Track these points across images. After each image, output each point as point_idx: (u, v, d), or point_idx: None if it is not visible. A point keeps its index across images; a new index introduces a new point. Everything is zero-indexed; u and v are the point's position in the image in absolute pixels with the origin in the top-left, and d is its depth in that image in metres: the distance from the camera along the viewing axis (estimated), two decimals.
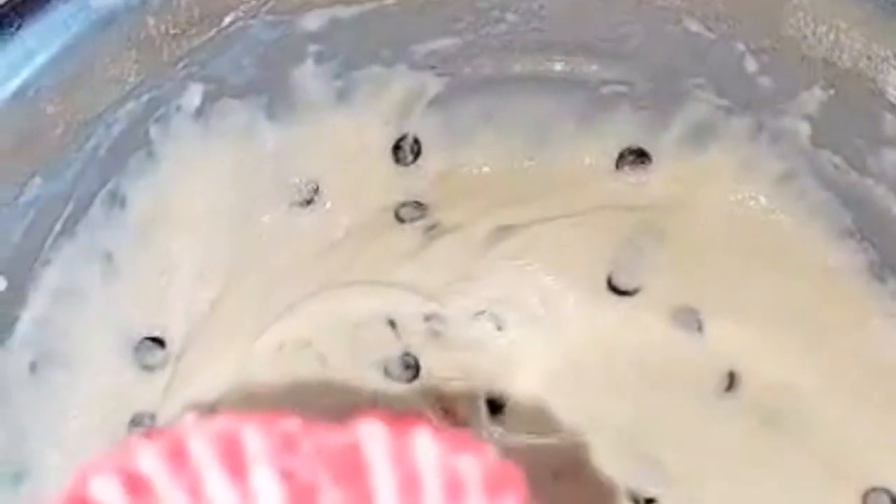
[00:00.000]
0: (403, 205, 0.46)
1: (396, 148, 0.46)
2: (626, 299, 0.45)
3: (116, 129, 0.39)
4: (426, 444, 0.26)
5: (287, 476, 0.25)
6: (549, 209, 0.46)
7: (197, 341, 0.43)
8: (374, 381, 0.43)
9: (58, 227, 0.40)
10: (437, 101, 0.45)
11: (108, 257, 0.42)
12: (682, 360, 0.44)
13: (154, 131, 0.41)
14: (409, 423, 0.26)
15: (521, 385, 0.44)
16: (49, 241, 0.40)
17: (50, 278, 0.40)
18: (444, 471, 0.26)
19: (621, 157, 0.46)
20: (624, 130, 0.46)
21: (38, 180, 0.38)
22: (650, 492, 0.42)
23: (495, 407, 0.43)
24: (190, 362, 0.43)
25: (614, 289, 0.45)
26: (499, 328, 0.44)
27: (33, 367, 0.40)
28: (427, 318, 0.44)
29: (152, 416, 0.42)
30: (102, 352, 0.42)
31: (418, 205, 0.46)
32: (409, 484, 0.25)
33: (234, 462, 0.25)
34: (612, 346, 0.44)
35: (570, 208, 0.46)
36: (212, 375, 0.43)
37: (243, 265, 0.44)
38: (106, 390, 0.42)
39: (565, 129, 0.45)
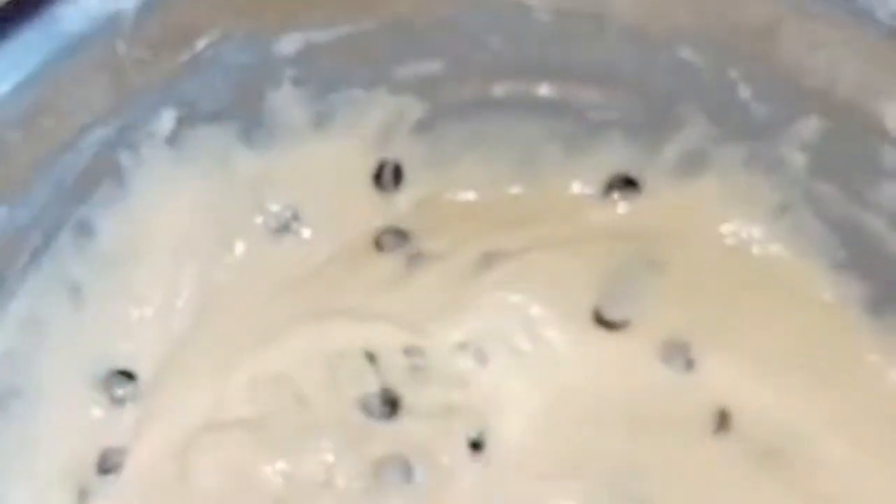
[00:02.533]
0: (384, 232, 0.45)
1: (377, 175, 0.44)
2: (614, 334, 0.43)
3: (85, 157, 0.38)
4: None
5: None
6: (535, 237, 0.44)
7: (169, 374, 0.42)
8: (353, 417, 0.42)
9: (24, 257, 0.38)
10: (419, 126, 0.44)
11: (76, 288, 0.41)
12: (672, 399, 0.42)
13: (124, 158, 0.40)
14: None
15: (505, 424, 0.42)
16: (14, 271, 0.38)
17: (15, 310, 0.39)
18: None
19: (610, 185, 0.45)
20: (613, 157, 0.44)
21: (2, 210, 0.36)
22: None
23: (477, 446, 0.42)
24: (161, 396, 0.42)
25: (602, 321, 0.43)
26: (482, 363, 0.43)
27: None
28: (407, 352, 0.43)
29: (121, 452, 0.41)
30: (70, 385, 0.41)
31: (399, 232, 0.45)
32: None
33: None
34: (600, 383, 0.42)
35: (558, 236, 0.44)
36: (184, 411, 0.41)
37: (217, 295, 0.43)
38: (74, 424, 0.41)
39: (553, 155, 0.44)
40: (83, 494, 0.41)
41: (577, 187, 0.45)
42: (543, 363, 0.43)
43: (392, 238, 0.45)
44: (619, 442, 0.42)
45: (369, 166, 0.44)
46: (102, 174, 0.39)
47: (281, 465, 0.41)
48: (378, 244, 0.45)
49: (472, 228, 0.45)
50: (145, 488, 0.41)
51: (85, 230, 0.40)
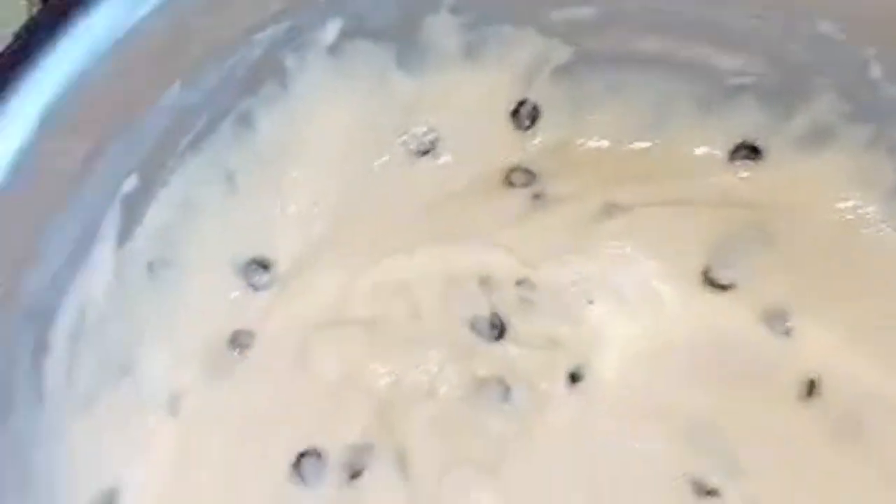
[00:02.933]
0: (515, 169, 0.47)
1: (515, 112, 0.47)
2: (719, 294, 0.45)
3: (256, 53, 0.41)
4: None
5: None
6: (657, 194, 0.46)
7: (301, 269, 0.45)
8: (461, 335, 0.44)
9: (188, 137, 0.41)
10: (560, 70, 0.46)
11: (230, 177, 0.44)
12: (765, 362, 0.44)
13: (290, 60, 0.42)
14: None
15: (603, 362, 0.44)
16: (179, 149, 0.41)
17: (175, 186, 0.42)
18: None
19: (735, 151, 0.47)
20: (742, 124, 0.46)
21: (177, 88, 0.39)
22: (714, 483, 0.43)
23: (574, 378, 0.44)
24: (292, 289, 0.45)
25: (710, 282, 0.45)
26: (589, 304, 0.45)
27: (151, 267, 0.42)
28: (519, 284, 0.45)
29: (251, 334, 0.44)
30: (214, 266, 0.44)
31: (529, 172, 0.47)
32: None
33: None
34: (698, 338, 0.44)
35: (678, 195, 0.46)
36: (310, 304, 0.44)
37: (355, 203, 0.46)
38: (213, 303, 0.44)
39: (684, 115, 0.46)
40: (213, 367, 0.44)
41: (703, 149, 0.47)
42: (647, 312, 0.45)
43: (522, 176, 0.47)
44: (707, 396, 0.44)
45: (509, 103, 0.47)
46: (269, 72, 0.42)
47: (389, 367, 0.44)
48: (508, 180, 0.47)
49: (596, 177, 0.47)
50: (268, 369, 0.44)
51: (246, 123, 0.43)
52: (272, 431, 0.43)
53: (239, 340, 0.44)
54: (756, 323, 0.45)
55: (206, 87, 0.40)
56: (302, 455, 0.42)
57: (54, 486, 0.38)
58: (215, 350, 0.44)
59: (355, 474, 0.42)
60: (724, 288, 0.45)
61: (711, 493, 0.43)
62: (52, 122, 0.35)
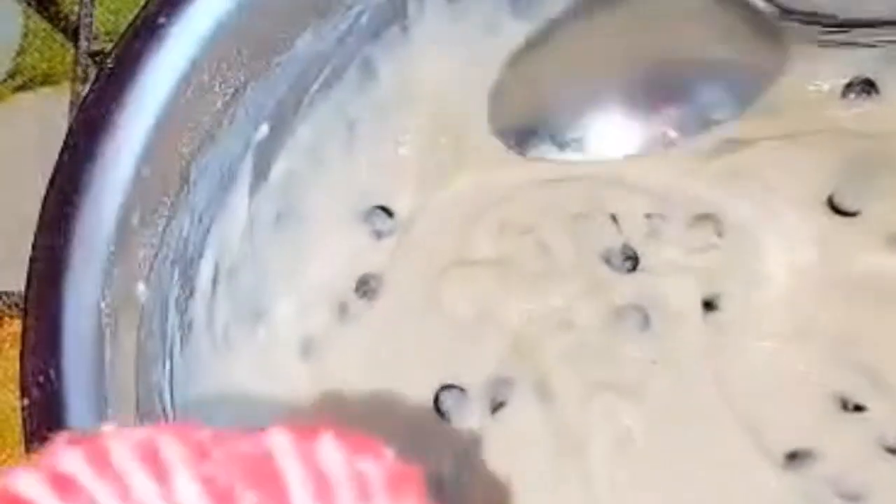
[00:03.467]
0: None
1: None
2: (844, 220, 0.45)
3: None
4: (331, 449, 0.27)
5: (206, 481, 0.26)
6: (775, 127, 0.46)
7: (424, 215, 0.45)
8: (593, 267, 0.45)
9: (315, 86, 0.42)
10: None
11: (352, 124, 0.44)
12: (893, 281, 0.44)
13: (411, 6, 0.43)
14: (313, 431, 0.27)
15: (736, 289, 0.44)
16: (307, 98, 0.42)
17: (302, 134, 0.43)
18: (351, 473, 0.27)
19: (849, 85, 0.47)
20: (858, 59, 0.46)
21: (308, 36, 0.40)
22: (861, 400, 0.43)
23: (709, 305, 0.44)
24: (416, 233, 0.45)
25: (835, 208, 0.45)
26: (718, 234, 0.45)
27: (278, 216, 0.43)
28: (648, 216, 0.45)
29: (378, 278, 0.45)
30: (338, 213, 0.45)
31: None
32: (323, 485, 0.27)
33: (156, 467, 0.26)
34: (828, 261, 0.44)
35: (797, 128, 0.46)
36: (435, 248, 0.45)
37: (478, 151, 0.46)
38: (338, 249, 0.44)
39: (803, 49, 0.46)
40: (343, 310, 0.44)
41: (817, 84, 0.47)
42: (774, 241, 0.45)
43: None
44: (845, 317, 0.44)
45: None
46: (391, 19, 0.43)
47: (523, 303, 0.44)
48: None
49: None
50: (398, 312, 0.44)
51: (369, 70, 0.43)
52: (408, 370, 0.43)
53: (367, 285, 0.44)
54: (883, 248, 0.45)
55: (334, 35, 0.41)
56: (442, 389, 0.43)
57: None
58: (343, 295, 0.44)
59: (497, 407, 0.43)
60: (849, 215, 0.45)
61: (858, 408, 0.43)
62: (199, 66, 0.36)
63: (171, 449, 0.26)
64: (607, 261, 0.45)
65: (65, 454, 0.26)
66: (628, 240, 0.45)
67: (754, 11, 0.45)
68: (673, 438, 0.42)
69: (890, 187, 0.45)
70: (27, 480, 0.26)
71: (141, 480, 0.26)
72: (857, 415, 0.43)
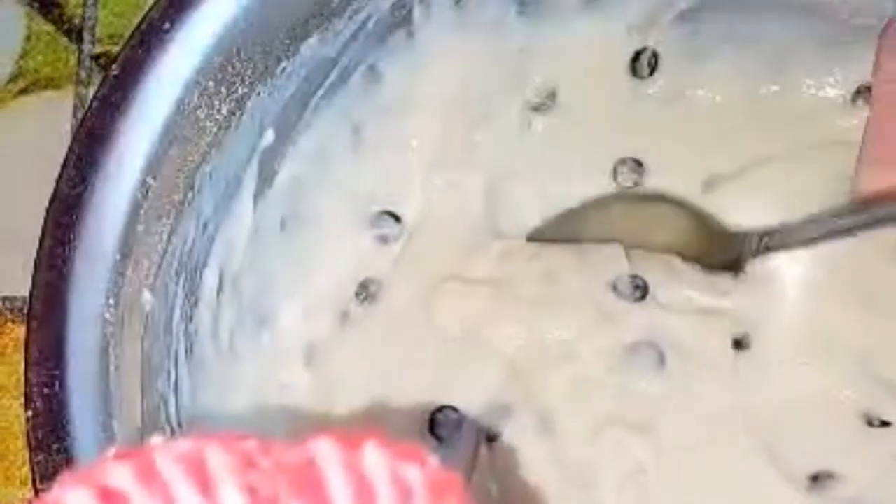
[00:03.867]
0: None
1: (634, 60, 0.47)
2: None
3: (386, 4, 0.41)
4: (375, 456, 0.27)
5: (251, 491, 0.26)
6: (781, 141, 0.46)
7: (429, 223, 0.45)
8: (601, 297, 0.44)
9: (321, 91, 0.42)
10: (683, 15, 0.45)
11: (357, 129, 0.44)
12: None
13: (417, 11, 0.43)
14: (359, 439, 0.27)
15: (758, 319, 0.44)
16: (312, 102, 0.42)
17: (307, 140, 0.42)
18: (393, 479, 0.27)
19: (858, 92, 0.46)
20: (865, 66, 0.46)
21: (314, 40, 0.40)
22: (887, 414, 0.42)
23: (741, 345, 0.44)
24: (420, 242, 0.45)
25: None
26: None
27: (283, 222, 0.43)
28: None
29: (379, 283, 0.44)
30: (344, 218, 0.44)
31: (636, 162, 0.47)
32: (365, 491, 0.27)
33: (201, 479, 0.26)
34: (842, 276, 0.44)
35: (802, 142, 0.46)
36: (438, 258, 0.45)
37: (476, 155, 0.46)
38: (343, 253, 0.44)
39: (807, 59, 0.46)
40: (344, 317, 0.44)
41: (825, 93, 0.46)
42: (790, 262, 0.44)
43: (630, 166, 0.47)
44: (865, 327, 0.43)
45: (629, 52, 0.46)
46: (396, 24, 0.43)
47: (520, 329, 0.43)
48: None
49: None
50: (395, 320, 0.44)
51: (374, 75, 0.43)
52: (405, 386, 0.43)
53: (367, 290, 0.44)
54: (893, 258, 0.45)
55: (340, 41, 0.41)
56: (438, 411, 0.42)
57: None
58: (346, 300, 0.44)
59: (492, 438, 0.42)
60: None
61: (885, 423, 0.42)
62: (203, 73, 0.36)
63: (217, 459, 0.26)
64: (615, 289, 0.44)
65: (113, 468, 0.26)
66: (637, 269, 0.44)
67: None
68: (688, 466, 0.42)
69: None
70: (77, 496, 0.26)
71: (186, 493, 0.26)
72: (882, 430, 0.42)
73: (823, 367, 0.43)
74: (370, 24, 0.41)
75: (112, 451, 0.27)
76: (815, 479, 0.42)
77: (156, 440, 0.27)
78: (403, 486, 0.27)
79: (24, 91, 0.53)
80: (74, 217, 0.34)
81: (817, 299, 0.44)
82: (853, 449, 0.42)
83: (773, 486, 0.41)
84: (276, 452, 0.27)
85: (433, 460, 0.28)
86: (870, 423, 0.42)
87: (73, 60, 0.53)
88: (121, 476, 0.26)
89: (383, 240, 0.45)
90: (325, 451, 0.27)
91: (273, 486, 0.26)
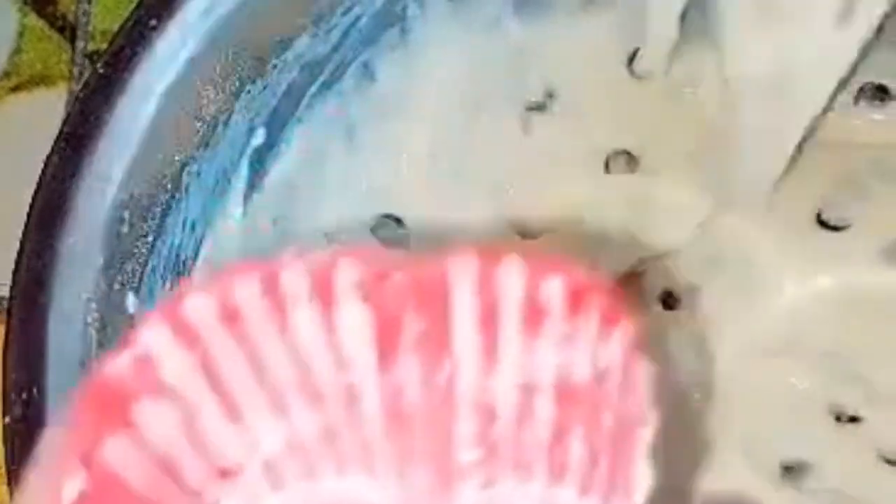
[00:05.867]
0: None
1: (631, 59, 0.46)
2: (833, 234, 0.44)
3: (379, 0, 0.41)
4: (512, 274, 0.25)
5: (376, 307, 0.25)
6: None
7: (432, 225, 0.44)
8: None
9: (312, 90, 0.41)
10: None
11: (352, 128, 0.43)
12: (886, 293, 0.43)
13: (411, 7, 0.42)
14: (497, 255, 0.25)
15: (731, 310, 0.44)
16: (304, 101, 0.41)
17: (299, 139, 0.42)
18: (526, 302, 0.25)
19: (861, 90, 0.46)
20: (872, 64, 0.45)
21: (305, 38, 0.39)
22: (855, 410, 0.42)
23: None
24: (424, 245, 0.44)
25: (823, 223, 0.44)
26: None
27: (275, 222, 0.42)
28: None
29: None
30: (342, 220, 0.43)
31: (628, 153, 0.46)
32: (490, 313, 0.25)
33: (325, 296, 0.25)
34: (819, 276, 0.44)
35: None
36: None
37: (472, 156, 0.45)
38: None
39: None
40: None
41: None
42: (767, 259, 0.44)
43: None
44: (835, 327, 0.43)
45: (627, 51, 0.46)
46: (391, 20, 0.42)
47: None
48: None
49: None
50: None
51: (367, 73, 0.42)
52: None
53: None
54: (875, 261, 0.44)
55: (333, 37, 0.40)
56: None
57: None
58: None
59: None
60: (839, 229, 0.44)
61: (854, 419, 0.42)
62: (191, 71, 0.35)
63: (346, 275, 0.25)
64: None
65: (238, 282, 0.25)
66: None
67: None
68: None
69: (879, 199, 0.44)
70: (197, 304, 0.24)
71: (303, 312, 0.24)
72: (852, 426, 0.42)
73: (792, 360, 0.43)
74: (362, 21, 0.41)
75: (239, 265, 0.25)
76: (789, 469, 0.41)
77: (288, 253, 0.25)
78: (536, 307, 0.25)
79: (16, 88, 0.53)
80: (56, 218, 0.33)
81: (791, 295, 0.44)
82: (825, 443, 0.42)
83: (747, 477, 0.41)
84: (409, 268, 0.25)
85: (579, 268, 0.25)
86: (838, 419, 0.42)
87: (66, 57, 0.53)
88: (244, 290, 0.24)
89: (387, 243, 0.44)
90: (460, 267, 0.25)
91: (399, 304, 0.25)
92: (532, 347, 0.26)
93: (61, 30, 0.53)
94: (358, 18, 0.40)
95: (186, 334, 0.25)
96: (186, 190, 0.37)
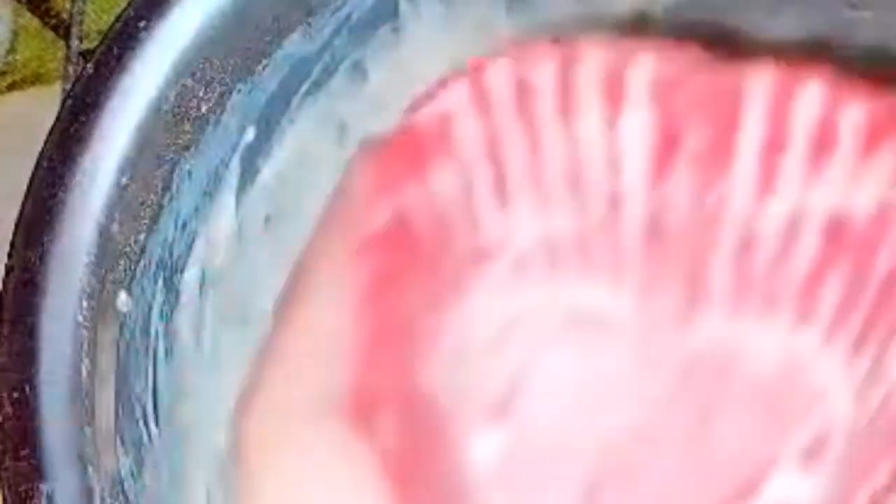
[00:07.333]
0: None
1: None
2: None
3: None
4: (810, 99, 0.23)
5: (661, 115, 0.24)
6: None
7: None
8: None
9: (304, 87, 0.41)
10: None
11: (343, 127, 0.43)
12: None
13: (404, 5, 0.42)
14: (800, 77, 0.23)
15: None
16: (295, 100, 0.41)
17: (290, 138, 0.42)
18: (818, 129, 0.23)
19: None
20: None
21: (295, 37, 0.39)
22: None
23: None
24: None
25: None
26: None
27: (268, 220, 0.42)
28: None
29: None
30: None
31: None
32: (775, 142, 0.23)
33: (615, 93, 0.23)
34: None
35: None
36: None
37: None
38: None
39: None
40: None
41: None
42: None
43: None
44: None
45: None
46: (382, 19, 0.42)
47: None
48: None
49: None
50: None
51: (359, 72, 0.42)
52: None
53: None
54: None
55: (323, 35, 0.40)
56: None
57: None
58: None
59: None
60: None
61: None
62: (182, 70, 0.36)
63: (638, 79, 0.23)
64: None
65: (536, 62, 0.25)
66: None
67: None
68: None
69: None
70: (497, 72, 0.25)
71: (591, 105, 0.24)
72: None
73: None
74: (353, 20, 0.41)
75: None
76: None
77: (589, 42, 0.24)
78: (828, 137, 0.23)
79: (11, 87, 0.53)
80: (47, 217, 0.33)
81: None
82: None
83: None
84: (704, 78, 0.23)
85: (888, 97, 0.23)
86: None
87: (60, 56, 0.53)
88: (541, 73, 0.24)
89: None
90: (757, 83, 0.23)
91: (685, 116, 0.23)
92: (813, 180, 0.23)
93: (56, 29, 0.53)
94: (349, 15, 0.40)
95: (483, 101, 0.24)
96: (178, 189, 0.37)
